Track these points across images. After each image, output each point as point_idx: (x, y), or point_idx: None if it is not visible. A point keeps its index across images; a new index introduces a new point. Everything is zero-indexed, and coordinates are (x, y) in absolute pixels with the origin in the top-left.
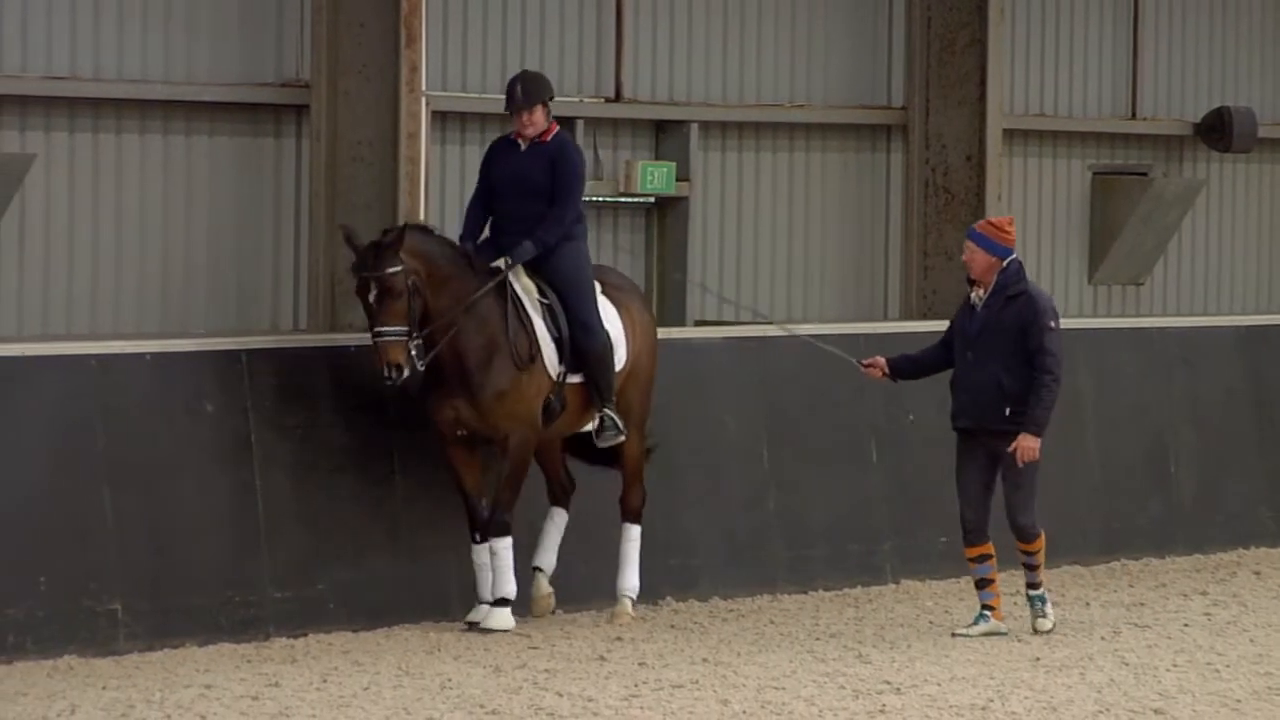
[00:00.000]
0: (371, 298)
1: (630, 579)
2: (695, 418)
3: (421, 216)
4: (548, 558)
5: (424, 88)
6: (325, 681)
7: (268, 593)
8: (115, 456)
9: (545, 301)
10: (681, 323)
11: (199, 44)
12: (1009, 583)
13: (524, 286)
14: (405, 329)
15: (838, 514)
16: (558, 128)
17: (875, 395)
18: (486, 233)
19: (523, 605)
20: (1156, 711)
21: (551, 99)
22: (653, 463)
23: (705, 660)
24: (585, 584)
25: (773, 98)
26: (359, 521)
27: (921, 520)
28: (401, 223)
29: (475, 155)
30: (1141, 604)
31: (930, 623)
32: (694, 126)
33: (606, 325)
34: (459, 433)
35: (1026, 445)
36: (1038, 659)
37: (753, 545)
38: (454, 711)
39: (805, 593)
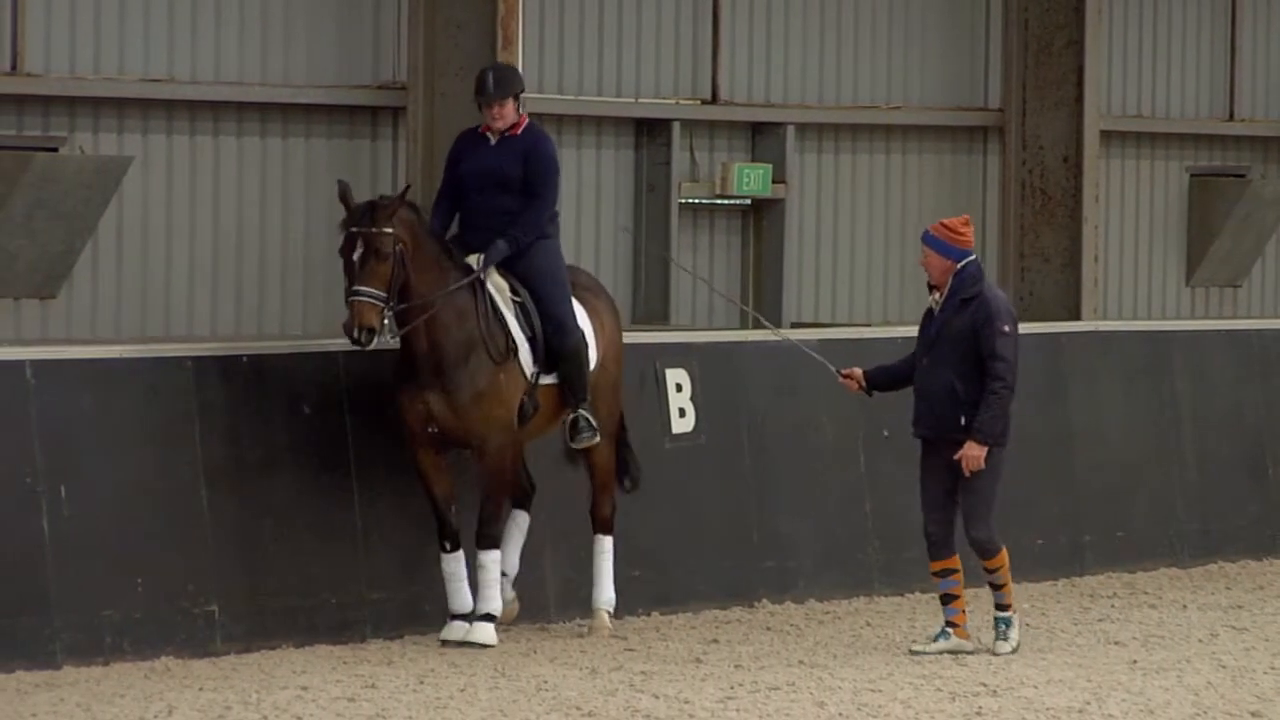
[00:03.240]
0: (356, 255)
1: (605, 592)
2: (791, 420)
3: None
4: (510, 561)
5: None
6: (422, 683)
7: (364, 594)
8: (212, 458)
9: (518, 299)
10: (778, 325)
11: (296, 46)
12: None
13: (496, 285)
14: (384, 294)
15: None
16: (528, 120)
17: None
18: (455, 229)
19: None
20: (1254, 714)
21: (522, 93)
22: (749, 465)
23: (801, 662)
24: (681, 587)
25: (869, 99)
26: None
27: (1016, 523)
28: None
29: (572, 157)
30: (1239, 606)
31: (1027, 625)
32: (790, 128)
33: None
34: (430, 429)
35: (971, 454)
36: (1134, 662)
37: (849, 547)
38: (550, 713)
39: (901, 595)
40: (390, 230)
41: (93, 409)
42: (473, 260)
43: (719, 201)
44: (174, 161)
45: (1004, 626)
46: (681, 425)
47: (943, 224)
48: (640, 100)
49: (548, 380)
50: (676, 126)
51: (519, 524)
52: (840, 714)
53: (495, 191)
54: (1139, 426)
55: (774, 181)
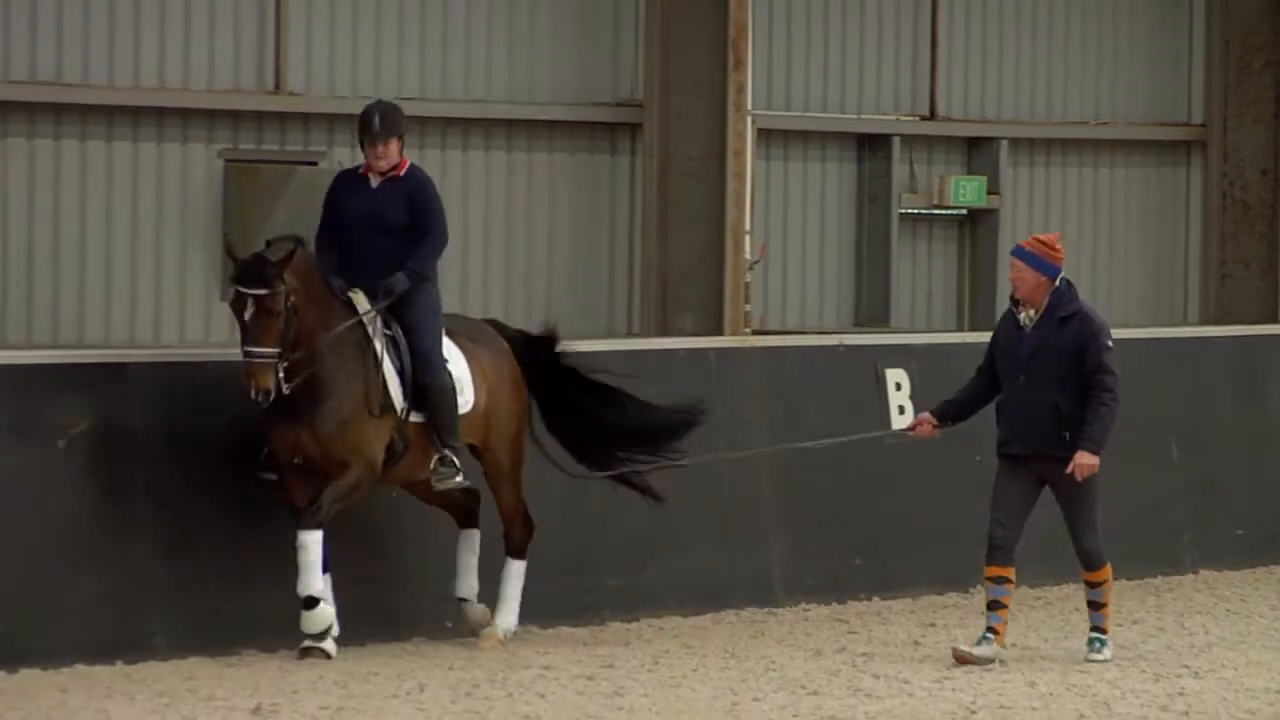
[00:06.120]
0: (247, 315)
1: (507, 618)
2: None
3: (747, 228)
4: (468, 583)
5: (750, 107)
6: (656, 663)
7: (603, 579)
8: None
9: (389, 333)
10: (990, 328)
11: (540, 66)
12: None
13: (369, 318)
14: (277, 350)
15: (1139, 507)
16: (409, 162)
17: (1178, 394)
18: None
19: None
20: None
21: (405, 135)
22: (963, 458)
23: (1014, 645)
24: (900, 574)
25: (1078, 115)
26: (689, 511)
27: (1216, 515)
28: (290, 241)
29: (798, 171)
30: None
31: (1227, 610)
32: (1004, 143)
33: (450, 366)
34: (295, 460)
35: (1085, 462)
36: None
37: (1058, 537)
38: (777, 692)
39: None
40: (280, 288)
41: None
42: (359, 298)
43: (936, 212)
44: None
45: (1098, 645)
46: (900, 422)
47: (1037, 239)
48: (862, 116)
49: (417, 418)
50: (897, 141)
51: (469, 545)
52: (1050, 692)
53: (376, 235)
54: None
55: (988, 193)
